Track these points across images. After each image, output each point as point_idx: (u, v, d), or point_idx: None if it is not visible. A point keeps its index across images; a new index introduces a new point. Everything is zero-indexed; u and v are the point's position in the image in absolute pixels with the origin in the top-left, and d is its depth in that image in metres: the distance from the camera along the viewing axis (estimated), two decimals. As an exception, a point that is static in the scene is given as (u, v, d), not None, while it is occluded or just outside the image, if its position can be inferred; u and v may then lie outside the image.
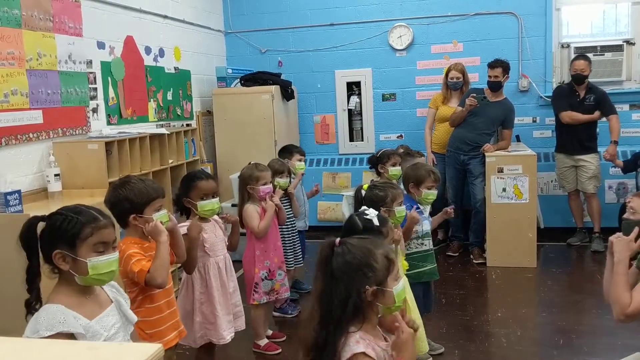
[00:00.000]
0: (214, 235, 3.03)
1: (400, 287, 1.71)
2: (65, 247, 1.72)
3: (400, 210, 2.85)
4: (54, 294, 1.75)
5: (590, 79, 5.28)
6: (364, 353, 1.60)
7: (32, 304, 1.74)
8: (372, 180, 3.55)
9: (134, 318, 1.92)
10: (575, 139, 5.28)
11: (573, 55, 5.62)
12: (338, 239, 1.77)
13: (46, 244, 1.74)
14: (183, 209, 3.02)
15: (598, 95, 5.22)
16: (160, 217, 2.38)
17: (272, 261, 3.54)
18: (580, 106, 5.23)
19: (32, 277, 1.75)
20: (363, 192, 2.85)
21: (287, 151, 4.54)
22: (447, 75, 5.59)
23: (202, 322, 2.97)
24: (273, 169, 3.74)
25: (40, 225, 1.78)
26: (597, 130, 5.35)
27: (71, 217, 1.74)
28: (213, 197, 2.94)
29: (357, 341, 1.63)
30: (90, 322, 1.71)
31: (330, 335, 1.64)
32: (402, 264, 2.92)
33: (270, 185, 3.53)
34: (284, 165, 3.95)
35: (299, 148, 4.67)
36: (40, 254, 1.76)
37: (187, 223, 2.88)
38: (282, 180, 3.85)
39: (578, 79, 5.21)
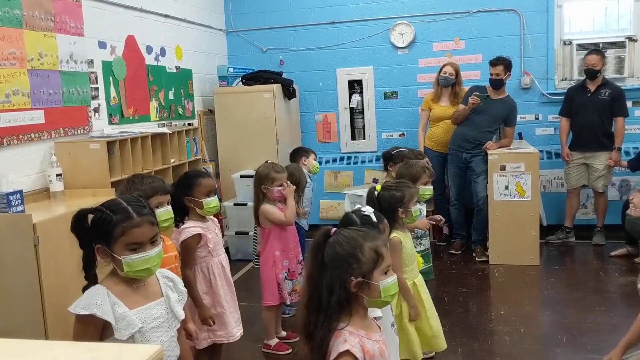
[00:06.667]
0: (216, 234, 3.01)
1: (389, 282, 1.72)
2: (103, 243, 1.75)
3: (416, 209, 2.86)
4: (105, 278, 1.79)
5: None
6: (348, 351, 1.63)
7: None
8: (386, 180, 3.54)
9: (181, 315, 1.91)
10: (590, 135, 5.24)
11: (575, 52, 5.61)
12: (334, 229, 1.80)
13: (90, 238, 1.77)
14: (179, 211, 2.90)
15: (614, 91, 5.18)
16: (158, 215, 2.33)
17: (292, 261, 3.53)
18: (590, 101, 5.21)
19: (87, 265, 1.78)
20: (376, 193, 2.82)
21: (302, 151, 4.65)
22: (440, 70, 5.58)
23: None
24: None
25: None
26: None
27: (106, 215, 1.75)
28: (215, 194, 2.94)
29: (345, 339, 1.66)
30: (127, 311, 1.72)
31: (319, 325, 1.68)
32: (417, 260, 2.94)
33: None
34: (295, 177, 3.80)
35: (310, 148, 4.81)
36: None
37: (192, 224, 2.87)
38: None
39: (590, 73, 5.18)
